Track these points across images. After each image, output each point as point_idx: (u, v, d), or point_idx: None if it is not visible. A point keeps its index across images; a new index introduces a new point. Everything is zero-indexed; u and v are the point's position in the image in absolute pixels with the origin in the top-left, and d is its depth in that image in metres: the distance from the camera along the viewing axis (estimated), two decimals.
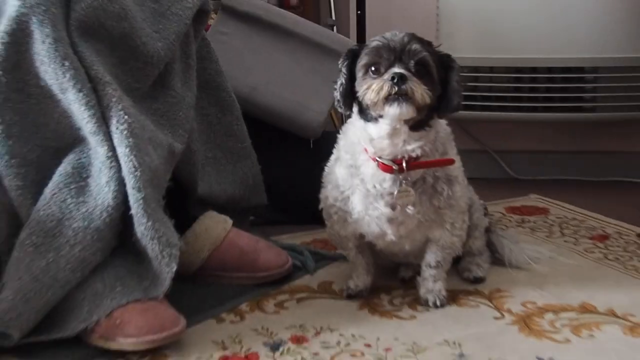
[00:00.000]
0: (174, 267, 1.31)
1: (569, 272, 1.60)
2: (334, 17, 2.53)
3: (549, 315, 1.39)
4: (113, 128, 1.30)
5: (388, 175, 1.33)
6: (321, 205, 1.47)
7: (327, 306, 1.46)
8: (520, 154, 2.49)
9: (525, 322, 1.37)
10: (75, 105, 1.28)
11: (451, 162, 1.37)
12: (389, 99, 1.25)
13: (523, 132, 2.46)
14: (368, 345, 1.29)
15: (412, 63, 1.27)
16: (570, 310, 1.41)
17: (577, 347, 1.27)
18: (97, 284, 1.30)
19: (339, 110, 1.37)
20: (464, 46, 2.29)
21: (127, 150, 1.29)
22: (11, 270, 1.26)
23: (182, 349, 1.28)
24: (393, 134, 1.30)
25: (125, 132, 1.29)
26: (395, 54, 1.27)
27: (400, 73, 1.25)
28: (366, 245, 1.49)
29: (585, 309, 1.42)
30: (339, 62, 1.34)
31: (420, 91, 1.25)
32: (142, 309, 1.28)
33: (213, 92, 1.66)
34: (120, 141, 1.29)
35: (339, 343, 1.30)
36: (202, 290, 1.51)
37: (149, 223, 1.29)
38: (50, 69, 1.26)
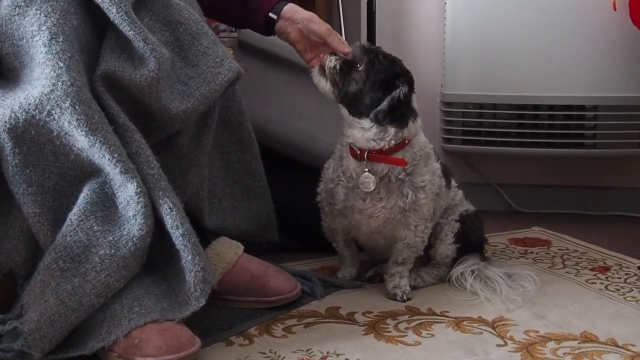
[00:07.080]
0: (202, 303, 1.27)
1: (570, 302, 1.52)
2: None
3: (552, 344, 1.32)
4: (144, 172, 1.28)
5: (357, 163, 1.48)
6: (318, 198, 1.61)
7: (334, 331, 1.40)
8: (522, 188, 2.41)
9: (528, 350, 1.29)
10: (104, 147, 1.23)
11: (402, 163, 1.46)
12: None
13: (526, 166, 2.39)
14: None
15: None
16: (572, 339, 1.34)
17: None
18: (115, 305, 1.25)
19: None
20: (468, 84, 2.23)
21: (161, 193, 1.28)
22: (35, 293, 1.22)
23: None
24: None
25: (156, 176, 1.29)
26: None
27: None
28: (352, 240, 1.64)
29: (586, 338, 1.35)
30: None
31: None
32: (160, 330, 1.23)
33: (235, 131, 1.60)
34: (154, 185, 1.28)
35: None
36: (213, 312, 1.45)
37: (189, 257, 1.27)
38: (79, 109, 1.22)
